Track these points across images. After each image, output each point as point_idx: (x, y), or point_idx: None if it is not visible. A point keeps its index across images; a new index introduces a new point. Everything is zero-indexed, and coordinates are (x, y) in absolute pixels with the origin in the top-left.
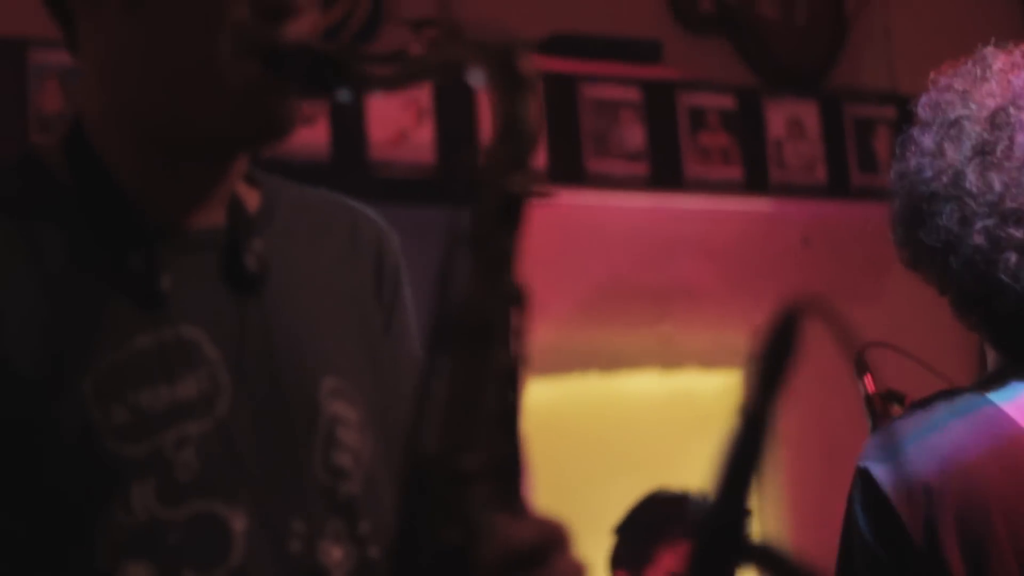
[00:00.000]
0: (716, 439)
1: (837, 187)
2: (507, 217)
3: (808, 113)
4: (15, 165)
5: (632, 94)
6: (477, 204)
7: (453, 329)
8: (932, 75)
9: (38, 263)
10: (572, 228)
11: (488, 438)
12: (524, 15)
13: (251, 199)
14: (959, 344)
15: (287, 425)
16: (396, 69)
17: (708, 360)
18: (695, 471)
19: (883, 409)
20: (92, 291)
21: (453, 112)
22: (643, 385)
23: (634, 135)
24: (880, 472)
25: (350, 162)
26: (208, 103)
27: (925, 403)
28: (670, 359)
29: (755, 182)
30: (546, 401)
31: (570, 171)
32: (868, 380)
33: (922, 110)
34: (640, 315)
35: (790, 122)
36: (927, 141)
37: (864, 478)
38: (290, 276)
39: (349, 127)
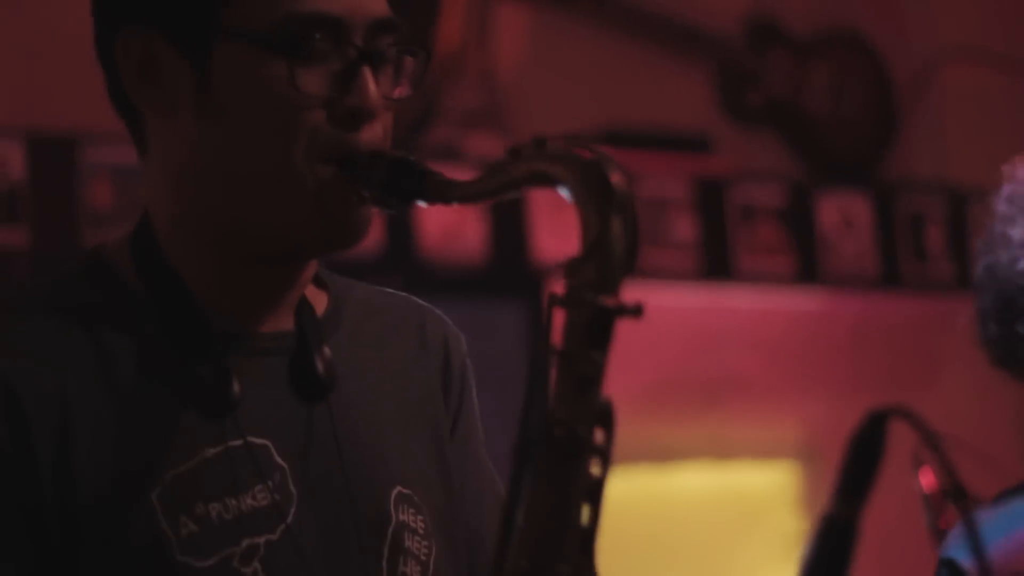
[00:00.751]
0: (767, 532)
1: (889, 279)
2: (596, 335)
3: (859, 205)
4: (84, 268)
5: (682, 186)
6: (568, 320)
7: (540, 444)
8: (1006, 168)
9: (108, 373)
10: (623, 322)
11: (571, 555)
12: (576, 108)
13: (319, 301)
14: (1013, 437)
15: (354, 534)
16: (481, 182)
17: (760, 453)
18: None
19: (942, 504)
20: (162, 401)
21: (505, 209)
22: (694, 478)
23: (684, 227)
24: (968, 563)
25: (402, 259)
26: (283, 208)
27: (1008, 495)
28: (721, 452)
29: (806, 274)
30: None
31: None
32: (926, 474)
33: (1003, 204)
34: (691, 408)
35: (841, 214)
36: (1017, 233)
37: (951, 569)
38: (358, 382)
39: (401, 224)
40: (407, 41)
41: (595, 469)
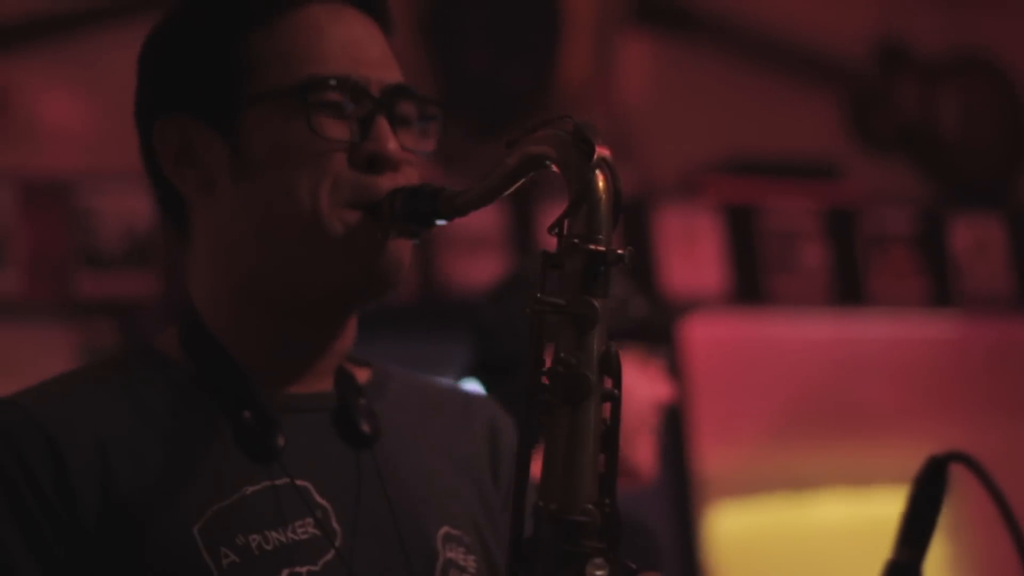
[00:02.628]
0: None
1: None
2: (591, 280)
3: (992, 227)
4: (130, 352)
5: (811, 213)
6: (563, 273)
7: (550, 388)
8: None
9: (149, 422)
10: (758, 350)
11: (594, 496)
12: (702, 137)
13: (361, 374)
14: None
15: (402, 568)
16: (485, 181)
17: (897, 480)
18: None
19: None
20: (204, 446)
21: (636, 242)
22: (831, 506)
23: (814, 254)
24: None
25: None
26: (314, 256)
27: None
28: (858, 479)
29: (939, 298)
30: (736, 525)
31: (751, 291)
32: None
33: None
34: (826, 436)
35: (973, 236)
36: None
37: None
38: (402, 438)
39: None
40: (425, 104)
41: (606, 415)
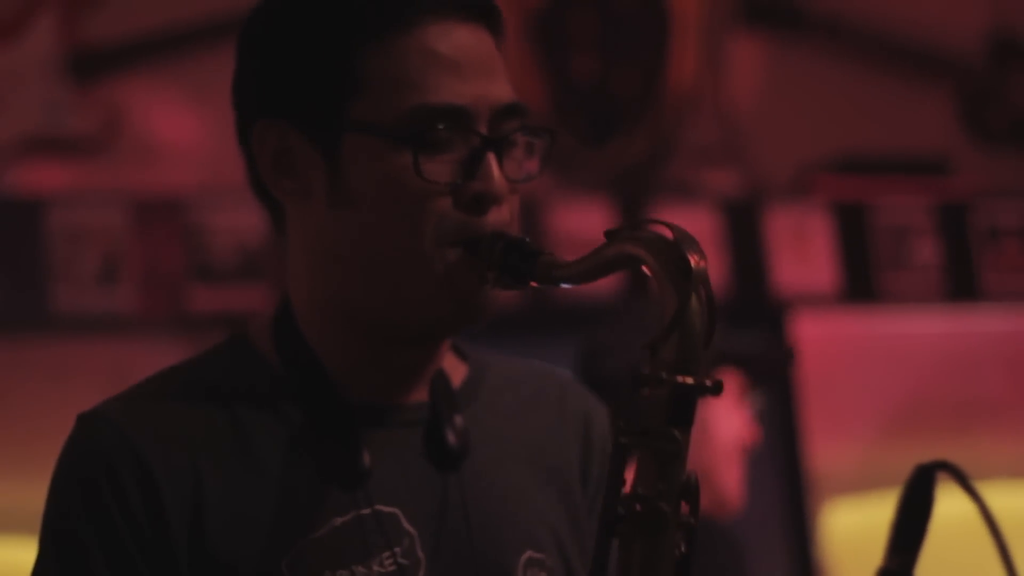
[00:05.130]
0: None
1: None
2: (677, 412)
3: None
4: (226, 346)
5: (923, 208)
6: (649, 397)
7: (626, 519)
8: None
9: (242, 447)
10: (871, 347)
11: None
12: (813, 137)
13: (457, 373)
14: None
15: None
16: (580, 263)
17: (1014, 474)
18: None
19: None
20: (294, 473)
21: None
22: (946, 501)
23: (927, 250)
24: None
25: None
26: (413, 292)
27: None
28: (974, 474)
29: None
30: (850, 522)
31: (864, 289)
32: None
33: None
34: (942, 431)
35: None
36: None
37: None
38: (492, 451)
39: None
40: (534, 125)
41: (681, 545)
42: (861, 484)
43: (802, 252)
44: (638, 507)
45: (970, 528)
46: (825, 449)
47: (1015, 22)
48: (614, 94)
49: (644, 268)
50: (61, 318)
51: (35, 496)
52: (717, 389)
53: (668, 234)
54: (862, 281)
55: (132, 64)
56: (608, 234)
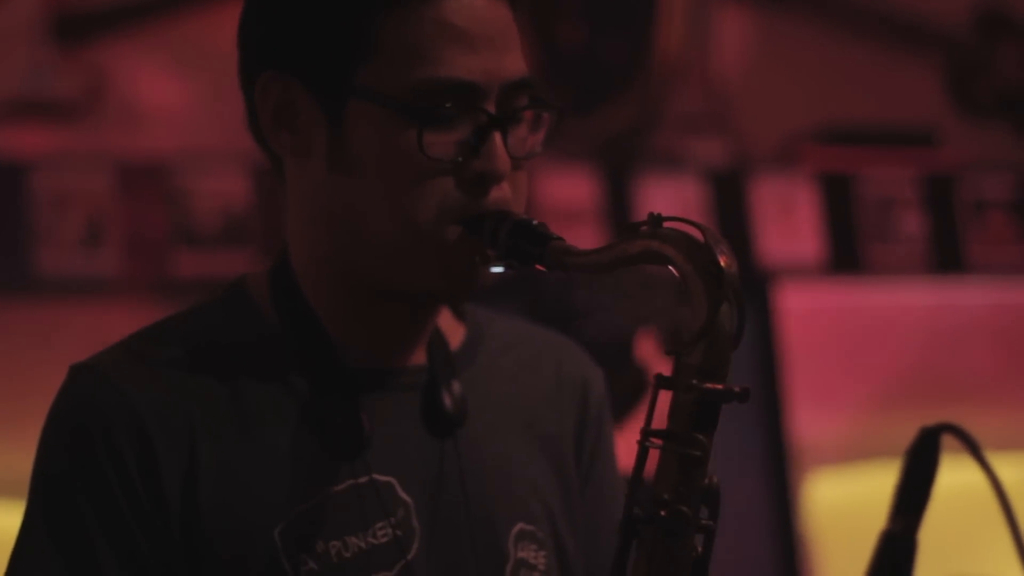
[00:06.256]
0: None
1: None
2: (702, 418)
3: None
4: (224, 299)
5: (909, 181)
6: (674, 401)
7: (647, 520)
8: None
9: (239, 408)
10: (855, 319)
11: None
12: (800, 107)
13: (456, 334)
14: None
15: (472, 571)
16: (598, 254)
17: (998, 447)
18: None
19: None
20: (291, 437)
21: (730, 211)
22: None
23: (912, 222)
24: None
25: None
26: (407, 264)
27: None
28: (958, 447)
29: None
30: (833, 494)
31: (849, 260)
32: None
33: None
34: (929, 404)
35: None
36: None
37: None
38: (489, 416)
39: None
40: (542, 98)
41: (698, 546)
42: (845, 455)
43: (787, 223)
44: (660, 511)
45: (964, 496)
46: (809, 420)
47: None
48: (601, 63)
49: (672, 268)
50: (44, 282)
51: (15, 459)
52: (744, 396)
53: (696, 233)
54: (847, 252)
55: (117, 27)
56: (630, 228)
